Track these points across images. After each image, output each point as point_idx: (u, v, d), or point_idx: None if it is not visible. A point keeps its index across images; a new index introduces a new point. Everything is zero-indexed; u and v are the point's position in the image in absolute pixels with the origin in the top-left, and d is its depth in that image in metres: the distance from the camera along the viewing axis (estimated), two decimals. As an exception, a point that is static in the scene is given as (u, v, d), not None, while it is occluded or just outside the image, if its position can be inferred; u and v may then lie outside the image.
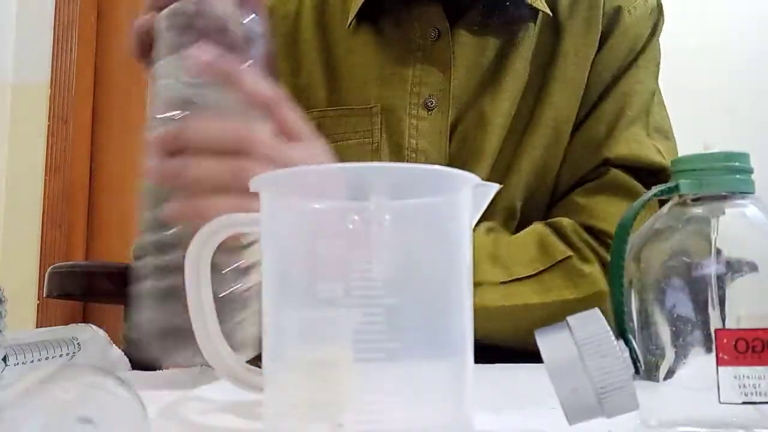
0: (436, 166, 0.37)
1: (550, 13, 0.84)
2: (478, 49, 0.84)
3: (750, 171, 0.38)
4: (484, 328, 0.54)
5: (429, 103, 0.83)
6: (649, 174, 0.82)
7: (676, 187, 0.38)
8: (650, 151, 0.82)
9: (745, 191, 0.37)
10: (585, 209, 0.81)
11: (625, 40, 0.85)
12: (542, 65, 0.84)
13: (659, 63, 0.88)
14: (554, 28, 0.85)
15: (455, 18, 0.84)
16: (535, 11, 0.84)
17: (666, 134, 0.86)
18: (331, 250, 0.34)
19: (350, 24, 0.86)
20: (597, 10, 0.85)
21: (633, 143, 0.82)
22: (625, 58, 0.85)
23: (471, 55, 0.84)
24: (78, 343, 0.63)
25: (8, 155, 2.41)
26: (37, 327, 2.15)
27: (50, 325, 0.75)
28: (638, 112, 0.84)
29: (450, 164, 0.81)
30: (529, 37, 0.84)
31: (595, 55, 0.84)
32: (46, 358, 0.59)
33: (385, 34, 0.86)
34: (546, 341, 0.36)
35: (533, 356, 0.38)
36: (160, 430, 0.41)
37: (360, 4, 0.85)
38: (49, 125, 2.39)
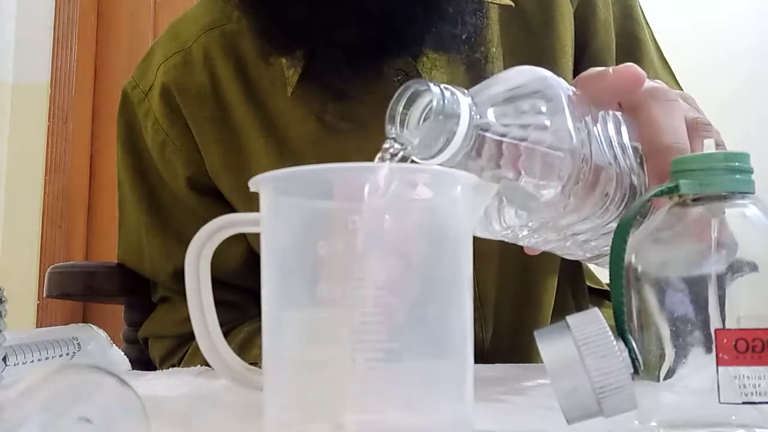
0: (436, 166, 0.37)
1: (512, 3, 0.76)
2: (449, 77, 0.74)
3: (750, 171, 0.38)
4: None
5: None
6: None
7: (676, 187, 0.38)
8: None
9: (745, 191, 0.37)
10: None
11: (609, 8, 0.81)
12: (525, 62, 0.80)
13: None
14: (521, 20, 0.78)
15: (413, 56, 0.73)
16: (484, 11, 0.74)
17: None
18: (331, 250, 0.34)
19: (291, 92, 0.73)
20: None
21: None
22: (622, 24, 0.81)
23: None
24: (78, 343, 0.63)
25: (8, 155, 2.41)
26: (37, 327, 2.16)
27: (50, 325, 0.75)
28: (655, 63, 0.82)
29: None
30: (495, 41, 0.76)
31: (589, 45, 0.80)
32: (46, 358, 0.59)
33: (344, 94, 0.72)
34: (546, 341, 0.36)
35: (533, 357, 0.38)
36: (160, 430, 0.41)
37: (300, 70, 0.73)
38: (49, 125, 2.39)
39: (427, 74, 0.73)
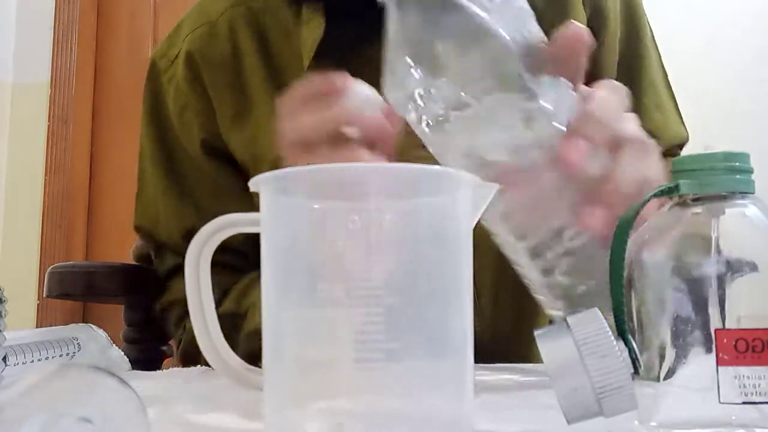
0: (436, 166, 0.37)
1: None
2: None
3: (750, 171, 0.38)
4: None
5: None
6: (679, 147, 0.81)
7: (676, 187, 0.38)
8: (676, 125, 0.81)
9: (745, 191, 0.37)
10: None
11: (618, 23, 0.81)
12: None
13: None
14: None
15: None
16: None
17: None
18: (331, 250, 0.34)
19: (308, 66, 0.75)
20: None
21: (659, 118, 0.81)
22: (627, 42, 0.82)
23: None
24: (78, 343, 0.63)
25: (8, 155, 2.41)
26: (37, 327, 2.15)
27: (50, 325, 0.75)
28: (658, 86, 0.83)
29: None
30: None
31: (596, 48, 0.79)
32: (46, 358, 0.59)
33: (351, 70, 0.79)
34: (546, 341, 0.36)
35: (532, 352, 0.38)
36: (160, 430, 0.41)
37: (317, 42, 0.74)
38: (49, 125, 2.40)
39: None
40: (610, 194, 0.49)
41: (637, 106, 0.80)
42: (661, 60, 0.86)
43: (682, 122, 0.84)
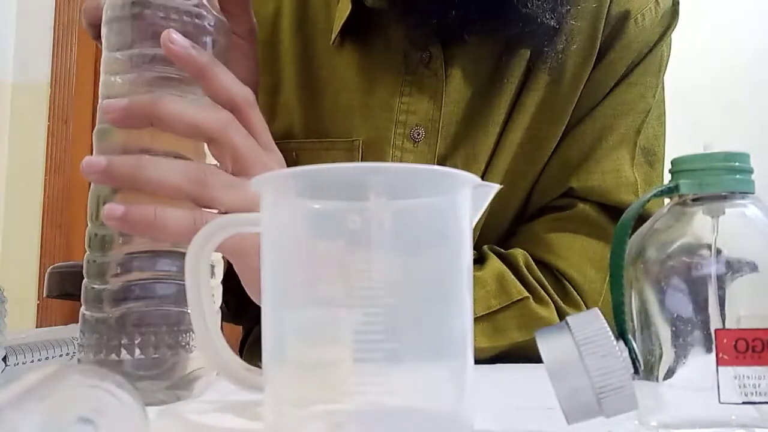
0: (436, 166, 0.37)
1: (557, 25, 0.72)
2: (471, 76, 0.76)
3: (750, 171, 0.38)
4: None
5: (416, 135, 0.75)
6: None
7: (676, 187, 0.38)
8: (626, 188, 0.75)
9: (745, 191, 0.37)
10: (545, 243, 0.75)
11: (626, 54, 0.77)
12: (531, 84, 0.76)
13: (661, 70, 0.80)
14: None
15: (448, 41, 0.75)
16: (535, 28, 0.71)
17: (653, 158, 0.79)
18: (331, 250, 0.34)
19: (334, 41, 0.77)
20: (599, 21, 0.76)
21: (610, 174, 0.76)
22: (622, 73, 0.77)
23: (464, 81, 0.76)
24: (78, 343, 0.63)
25: (8, 155, 2.41)
26: (37, 327, 2.16)
27: (50, 325, 0.75)
28: (623, 137, 0.77)
29: None
30: (523, 56, 0.76)
31: (591, 71, 0.76)
32: (46, 358, 0.60)
33: (372, 55, 0.77)
34: (546, 341, 0.36)
35: (534, 357, 0.38)
36: (160, 430, 0.41)
37: (344, 19, 0.76)
38: (49, 125, 2.40)
39: (450, 62, 0.75)
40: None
41: (583, 152, 0.77)
42: (647, 110, 0.79)
43: (636, 188, 0.77)
